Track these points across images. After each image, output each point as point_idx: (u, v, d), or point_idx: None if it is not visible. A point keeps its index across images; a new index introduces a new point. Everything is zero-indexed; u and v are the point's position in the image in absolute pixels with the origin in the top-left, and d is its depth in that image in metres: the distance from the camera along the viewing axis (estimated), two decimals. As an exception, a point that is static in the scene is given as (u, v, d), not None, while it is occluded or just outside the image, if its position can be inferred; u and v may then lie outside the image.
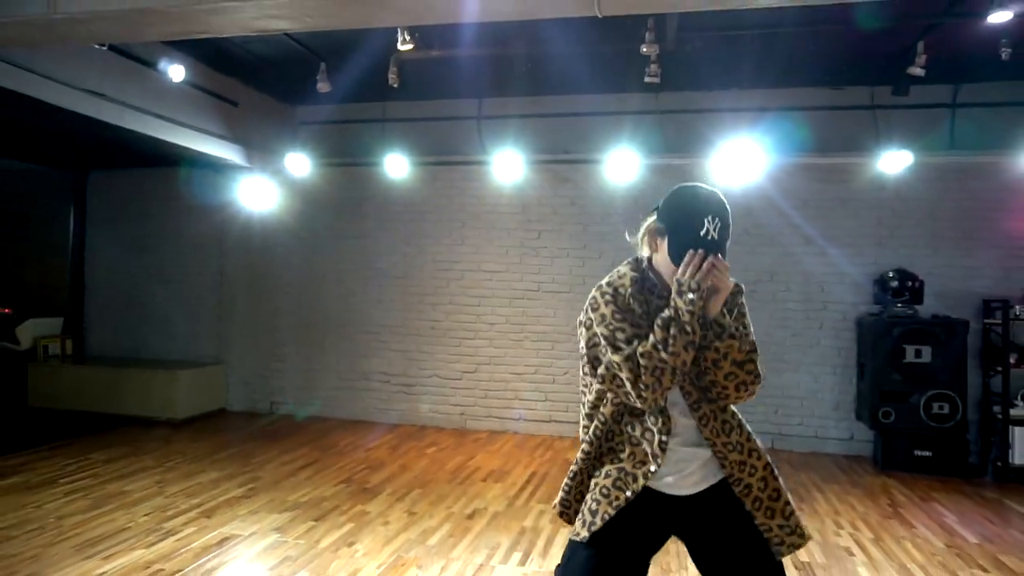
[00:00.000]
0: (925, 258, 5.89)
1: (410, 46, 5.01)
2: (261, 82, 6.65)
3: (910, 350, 5.53)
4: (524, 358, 6.71)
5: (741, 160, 5.86)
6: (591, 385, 1.85)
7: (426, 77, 6.14)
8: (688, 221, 1.75)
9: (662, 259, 1.83)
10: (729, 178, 6.02)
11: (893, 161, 5.73)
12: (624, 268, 1.87)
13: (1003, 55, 4.54)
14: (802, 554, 3.75)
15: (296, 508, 4.30)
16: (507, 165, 6.41)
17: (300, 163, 6.74)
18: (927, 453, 5.52)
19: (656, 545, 1.83)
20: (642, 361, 1.67)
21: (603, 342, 1.76)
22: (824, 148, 5.98)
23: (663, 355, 1.66)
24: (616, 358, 1.71)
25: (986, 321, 5.69)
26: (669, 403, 1.78)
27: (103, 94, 5.06)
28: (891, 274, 5.73)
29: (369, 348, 7.05)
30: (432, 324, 6.90)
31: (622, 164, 6.16)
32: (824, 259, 6.09)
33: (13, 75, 4.44)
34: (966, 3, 4.48)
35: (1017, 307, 5.44)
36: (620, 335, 1.73)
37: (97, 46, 4.28)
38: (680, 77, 5.82)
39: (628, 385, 1.69)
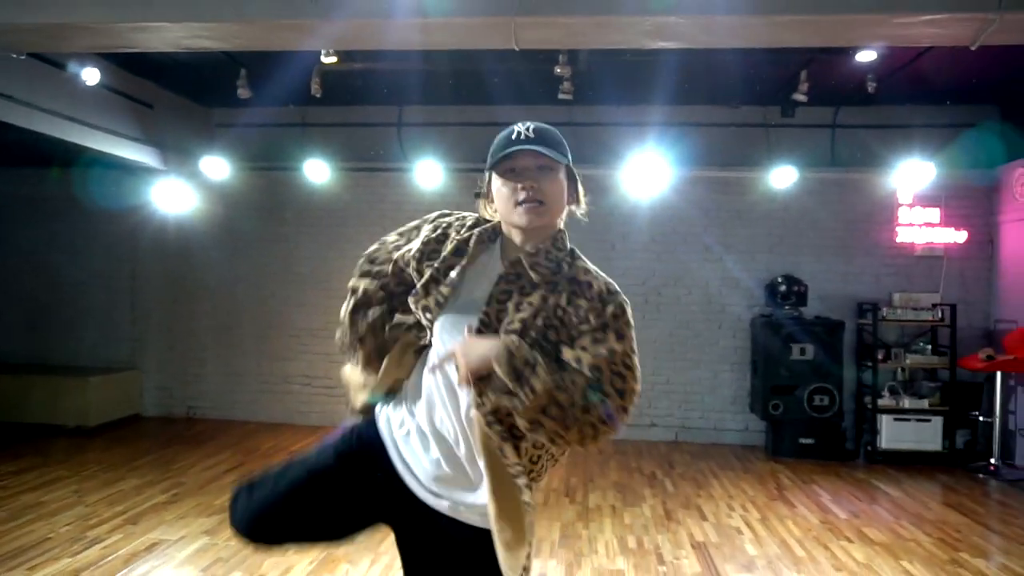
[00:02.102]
0: (809, 264, 6.52)
1: (334, 59, 5.17)
2: (177, 85, 6.58)
3: (796, 348, 6.13)
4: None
5: (648, 172, 6.31)
6: None
7: (347, 85, 6.26)
8: (500, 141, 1.60)
9: (502, 205, 1.60)
10: (637, 189, 6.46)
11: (781, 176, 6.31)
12: (479, 218, 1.71)
13: (870, 88, 5.15)
14: (697, 534, 4.19)
15: (224, 511, 4.37)
16: (427, 172, 6.61)
17: (218, 166, 6.71)
18: (810, 440, 6.15)
19: None
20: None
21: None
22: (722, 163, 6.51)
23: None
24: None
25: (860, 321, 6.38)
26: None
27: (11, 96, 4.93)
28: (780, 279, 6.32)
29: (290, 351, 7.10)
30: (354, 327, 7.02)
31: (538, 174, 6.47)
32: (722, 265, 6.63)
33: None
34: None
35: (885, 309, 6.14)
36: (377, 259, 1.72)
37: (14, 55, 4.19)
38: (590, 93, 6.18)
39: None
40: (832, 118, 6.53)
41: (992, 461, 5.79)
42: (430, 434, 1.60)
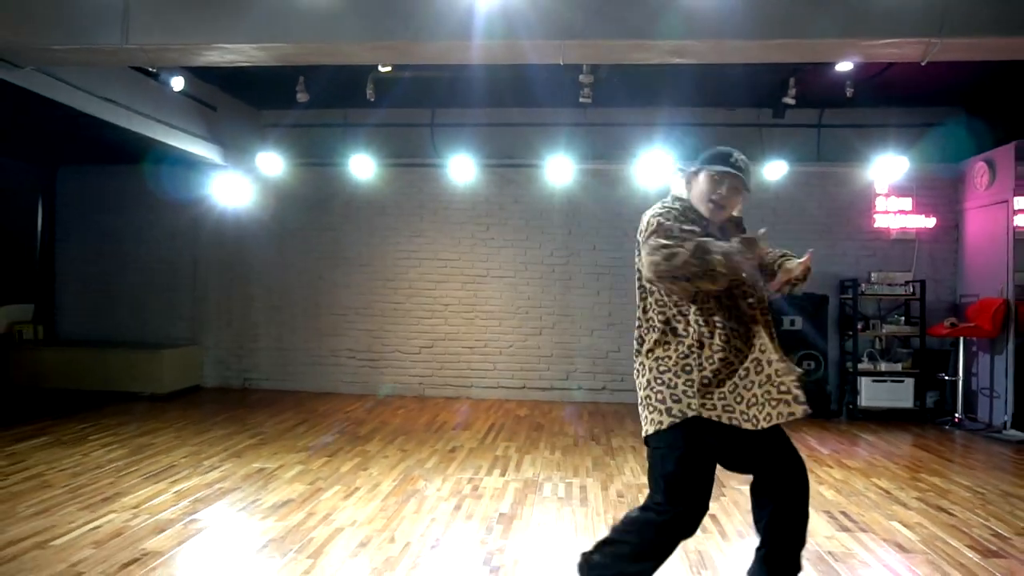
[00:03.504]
0: (798, 247, 7.31)
1: (389, 68, 6.01)
2: (236, 89, 7.40)
3: (786, 320, 7.01)
4: (475, 334, 7.80)
5: (656, 167, 7.17)
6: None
7: (392, 89, 7.08)
8: (721, 154, 2.33)
9: (696, 193, 2.33)
10: (647, 182, 7.33)
11: (773, 170, 7.19)
12: (668, 202, 2.35)
13: (848, 93, 6.04)
14: (706, 463, 5.05)
15: (308, 450, 5.22)
16: (460, 168, 7.47)
17: (272, 162, 7.55)
18: (799, 400, 7.01)
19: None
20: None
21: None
22: (721, 158, 7.36)
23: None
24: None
25: (842, 297, 7.27)
26: None
27: (115, 100, 5.75)
28: (772, 260, 7.18)
29: (336, 328, 7.94)
30: (394, 306, 7.87)
31: (558, 168, 7.35)
32: (721, 248, 7.48)
33: (47, 84, 5.09)
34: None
35: (863, 286, 7.02)
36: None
37: (151, 69, 5.02)
38: (605, 97, 7.03)
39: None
40: (818, 119, 7.41)
41: (956, 415, 6.68)
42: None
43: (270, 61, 4.44)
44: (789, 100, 6.45)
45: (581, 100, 6.36)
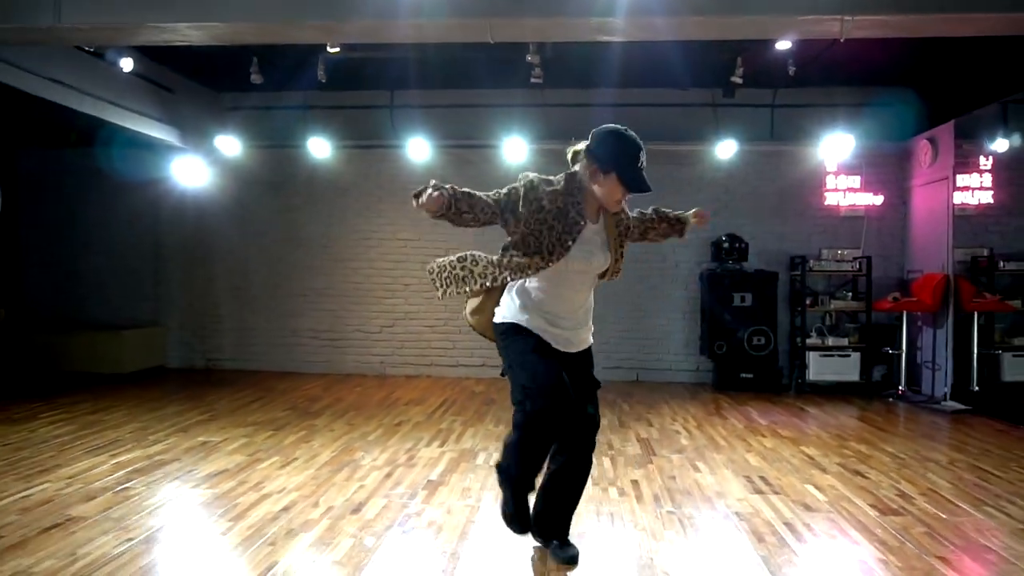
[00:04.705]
0: (750, 225, 7.52)
1: (337, 49, 6.05)
2: (193, 71, 7.42)
3: (737, 296, 7.15)
4: (435, 313, 7.90)
5: (610, 147, 7.25)
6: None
7: (347, 71, 7.12)
8: (631, 160, 2.55)
9: (601, 188, 2.56)
10: (601, 161, 7.41)
11: (725, 149, 7.30)
12: (561, 177, 2.58)
13: (790, 71, 6.14)
14: (643, 433, 5.20)
15: (256, 425, 5.32)
16: (418, 149, 7.53)
17: (230, 144, 7.58)
18: (750, 375, 7.18)
19: None
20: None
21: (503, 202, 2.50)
22: (673, 137, 7.47)
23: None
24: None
25: (792, 273, 7.41)
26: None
27: (63, 81, 5.78)
28: (724, 238, 7.31)
29: (298, 308, 8.02)
30: (354, 285, 7.96)
31: (514, 149, 7.42)
32: (675, 227, 7.60)
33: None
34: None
35: (812, 262, 7.16)
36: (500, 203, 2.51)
37: (87, 49, 5.05)
38: (560, 76, 7.10)
39: None
40: (771, 99, 7.51)
41: (900, 388, 6.86)
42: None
43: (205, 41, 4.49)
44: (737, 79, 6.54)
45: (532, 80, 6.43)
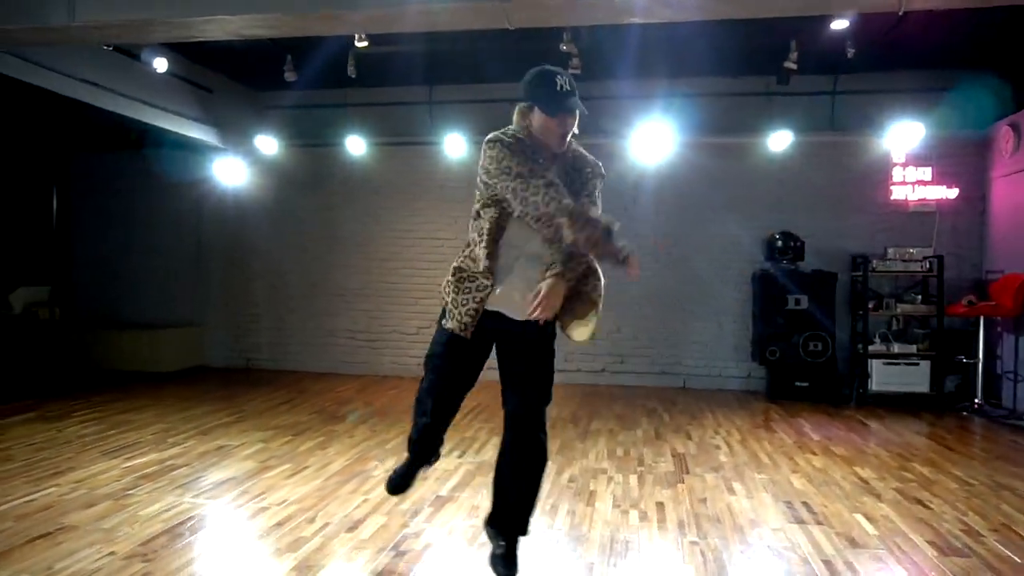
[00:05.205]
0: (807, 222, 6.98)
1: (365, 43, 5.89)
2: (232, 71, 7.42)
3: (791, 299, 6.64)
4: (472, 314, 7.66)
5: (654, 140, 6.87)
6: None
7: (380, 67, 6.97)
8: (548, 86, 2.34)
9: (538, 124, 2.37)
10: (645, 156, 7.03)
11: (779, 141, 6.79)
12: (508, 131, 2.42)
13: (848, 54, 5.61)
14: (679, 448, 4.82)
15: (277, 428, 5.21)
16: (455, 145, 7.31)
17: (269, 144, 7.55)
18: (805, 384, 6.66)
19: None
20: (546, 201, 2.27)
21: (512, 178, 2.30)
22: (723, 130, 7.01)
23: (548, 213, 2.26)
24: (536, 182, 2.27)
25: (853, 274, 6.83)
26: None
27: (97, 83, 5.82)
28: (777, 236, 6.81)
29: (335, 308, 7.94)
30: (390, 285, 7.82)
31: (554, 143, 7.11)
32: (724, 225, 7.15)
33: (25, 68, 5.17)
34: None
35: (875, 262, 6.58)
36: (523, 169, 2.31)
37: (105, 47, 5.05)
38: (599, 68, 6.74)
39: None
40: (831, 85, 6.95)
41: (976, 401, 6.21)
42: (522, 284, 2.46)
43: (218, 36, 4.37)
44: (791, 65, 6.04)
45: (570, 71, 6.10)
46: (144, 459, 4.32)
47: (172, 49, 6.50)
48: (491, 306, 2.49)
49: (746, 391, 7.11)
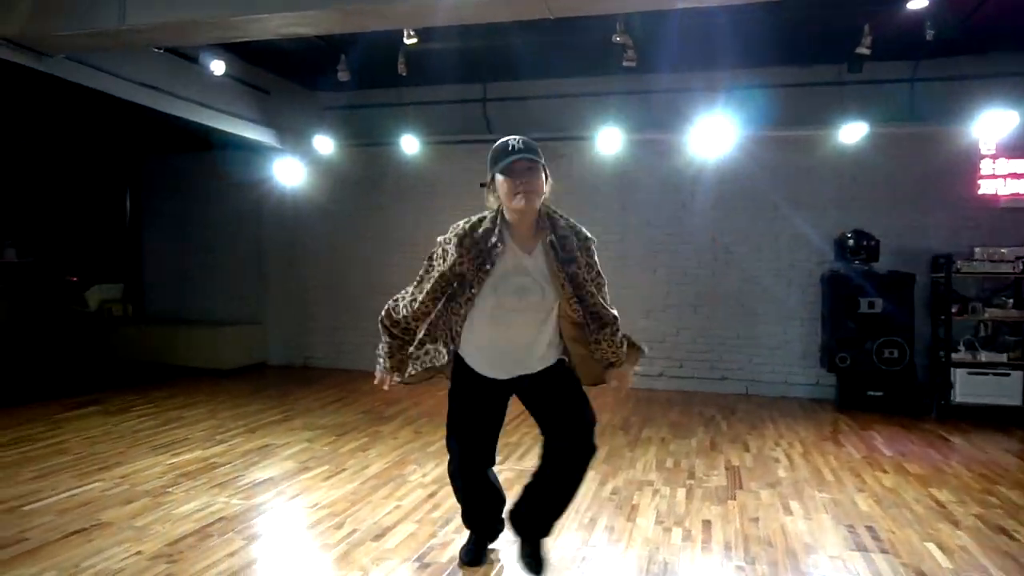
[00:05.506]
0: (882, 219, 6.50)
1: (414, 39, 5.81)
2: (289, 72, 7.51)
3: (864, 302, 6.18)
4: (525, 315, 7.51)
5: (713, 134, 6.54)
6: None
7: (436, 64, 6.90)
8: (500, 150, 2.35)
9: (502, 193, 2.35)
10: (705, 150, 6.72)
11: (851, 132, 6.34)
12: (483, 217, 2.45)
13: (928, 37, 5.15)
14: (734, 460, 4.52)
15: (323, 428, 5.21)
16: (508, 142, 7.16)
17: (325, 144, 7.61)
18: (879, 393, 6.19)
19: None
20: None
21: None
22: (789, 122, 6.60)
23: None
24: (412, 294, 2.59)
25: (933, 275, 6.31)
26: None
27: (157, 87, 5.97)
28: (848, 235, 6.36)
29: (389, 308, 7.93)
30: (444, 286, 7.75)
31: (609, 140, 6.88)
32: (791, 222, 6.75)
33: (86, 73, 5.34)
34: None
35: (959, 262, 6.05)
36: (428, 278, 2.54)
37: (156, 50, 5.17)
38: (657, 59, 6.46)
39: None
40: (911, 72, 6.45)
41: (1076, 417, 5.63)
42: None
43: (263, 35, 4.38)
44: (864, 50, 5.60)
45: (625, 63, 5.86)
46: (189, 456, 4.37)
47: (229, 51, 6.62)
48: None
49: (813, 399, 6.68)
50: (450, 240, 2.45)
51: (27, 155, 8.59)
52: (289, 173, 7.91)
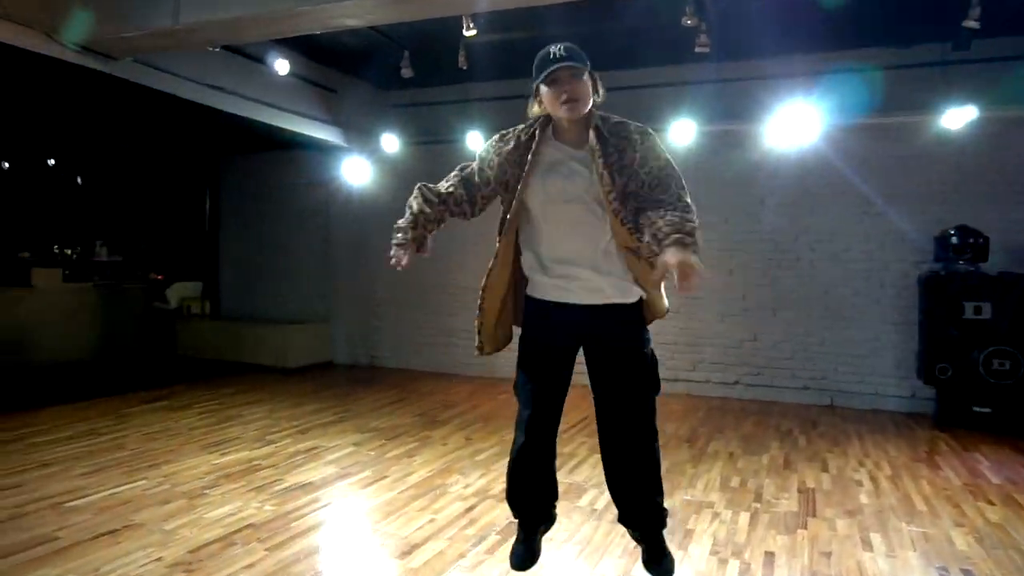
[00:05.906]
0: (991, 214, 5.79)
1: (473, 31, 5.62)
2: (354, 70, 7.50)
3: (969, 306, 5.52)
4: (592, 317, 7.21)
5: (796, 124, 6.02)
6: None
7: (499, 59, 6.70)
8: (542, 60, 2.25)
9: (547, 102, 2.31)
10: (784, 141, 6.20)
11: (957, 117, 5.68)
12: (531, 121, 2.44)
13: (1048, 3, 4.49)
14: (810, 482, 4.07)
15: (374, 431, 5.10)
16: (573, 137, 6.88)
17: (391, 142, 7.56)
18: (986, 410, 5.51)
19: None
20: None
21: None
22: (883, 108, 5.98)
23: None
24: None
25: (1053, 277, 5.56)
26: None
27: (223, 88, 6.05)
28: (952, 231, 5.69)
29: (454, 308, 7.81)
30: (508, 286, 7.54)
31: (682, 132, 6.47)
32: (884, 218, 6.13)
33: (154, 76, 5.45)
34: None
35: (1086, 262, 5.29)
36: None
37: (210, 49, 5.22)
38: (735, 44, 6.02)
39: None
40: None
41: None
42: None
43: (314, 29, 4.30)
44: (972, 23, 4.95)
45: (697, 49, 5.48)
46: (235, 456, 4.35)
47: (294, 50, 6.65)
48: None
49: (908, 414, 6.04)
50: (504, 135, 2.51)
51: (116, 160, 9.02)
52: (356, 172, 7.91)
